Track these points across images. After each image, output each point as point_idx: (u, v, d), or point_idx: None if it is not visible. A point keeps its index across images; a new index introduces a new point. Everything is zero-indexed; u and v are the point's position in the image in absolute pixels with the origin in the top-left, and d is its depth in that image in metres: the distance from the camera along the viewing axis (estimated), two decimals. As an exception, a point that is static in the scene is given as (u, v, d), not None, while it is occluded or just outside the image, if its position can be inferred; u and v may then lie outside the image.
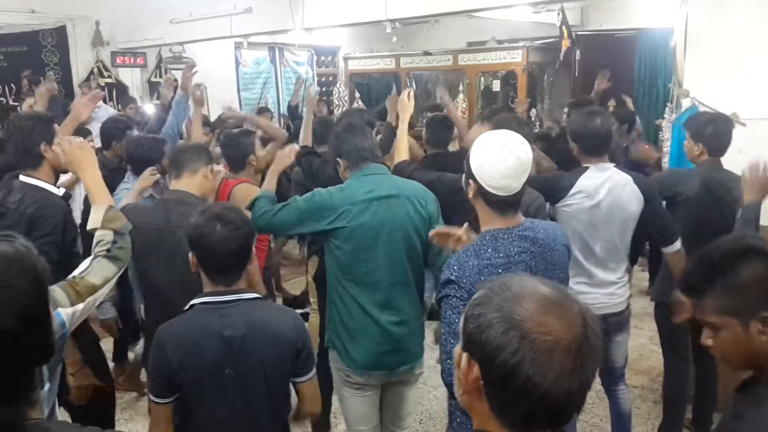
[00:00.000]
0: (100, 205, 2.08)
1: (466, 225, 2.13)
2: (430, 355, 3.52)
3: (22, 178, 2.73)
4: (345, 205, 2.46)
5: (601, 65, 7.67)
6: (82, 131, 4.09)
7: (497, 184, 1.84)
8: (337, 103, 10.18)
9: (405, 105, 3.42)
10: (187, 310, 2.01)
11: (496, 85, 9.01)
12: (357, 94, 10.29)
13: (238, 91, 9.45)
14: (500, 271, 1.81)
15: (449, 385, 1.74)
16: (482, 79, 9.13)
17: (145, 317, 2.83)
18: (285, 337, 2.00)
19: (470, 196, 1.95)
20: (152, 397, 2.01)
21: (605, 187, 2.74)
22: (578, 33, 7.95)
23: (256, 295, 2.05)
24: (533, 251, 1.89)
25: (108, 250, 1.96)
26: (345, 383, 2.63)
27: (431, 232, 2.28)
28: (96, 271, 1.89)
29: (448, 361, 1.71)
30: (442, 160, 3.62)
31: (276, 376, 2.03)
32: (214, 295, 1.99)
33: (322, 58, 10.63)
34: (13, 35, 7.36)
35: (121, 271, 2.00)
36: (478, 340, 0.97)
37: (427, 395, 4.07)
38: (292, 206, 2.54)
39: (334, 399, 3.26)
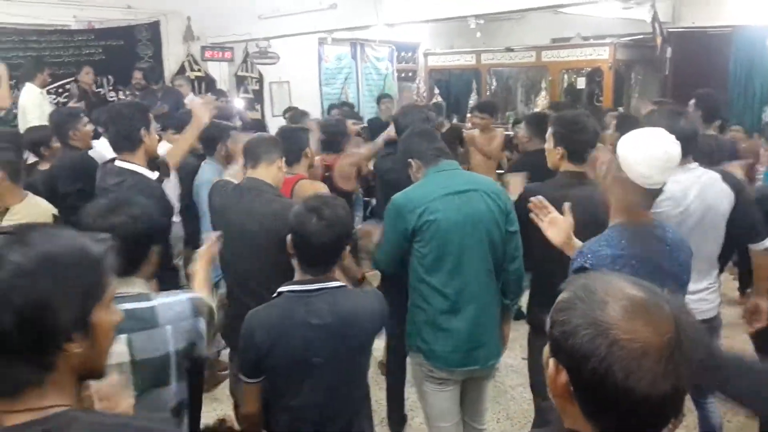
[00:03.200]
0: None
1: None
2: (508, 354, 3.47)
3: (118, 163, 2.88)
4: (425, 203, 2.46)
5: (694, 64, 7.41)
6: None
7: (640, 170, 1.84)
8: (416, 98, 10.18)
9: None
10: (276, 297, 2.09)
11: (581, 83, 8.78)
12: (436, 90, 10.26)
13: (320, 86, 9.62)
14: (633, 262, 1.85)
15: None
16: (566, 76, 8.93)
17: (228, 298, 2.92)
18: (370, 325, 2.11)
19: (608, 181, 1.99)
20: (243, 377, 2.13)
21: (694, 190, 2.59)
22: (669, 30, 7.64)
23: (340, 284, 2.10)
24: (661, 249, 1.93)
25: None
26: (427, 378, 2.62)
27: None
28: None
29: None
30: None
31: (360, 362, 2.13)
32: (301, 284, 2.07)
33: (402, 54, 10.67)
34: (111, 30, 7.72)
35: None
36: (564, 347, 0.96)
37: (504, 395, 4.02)
38: (384, 237, 2.63)
39: (411, 391, 3.28)
